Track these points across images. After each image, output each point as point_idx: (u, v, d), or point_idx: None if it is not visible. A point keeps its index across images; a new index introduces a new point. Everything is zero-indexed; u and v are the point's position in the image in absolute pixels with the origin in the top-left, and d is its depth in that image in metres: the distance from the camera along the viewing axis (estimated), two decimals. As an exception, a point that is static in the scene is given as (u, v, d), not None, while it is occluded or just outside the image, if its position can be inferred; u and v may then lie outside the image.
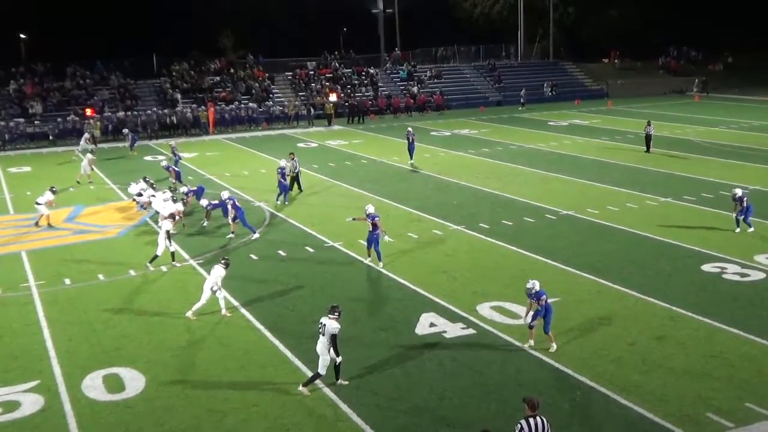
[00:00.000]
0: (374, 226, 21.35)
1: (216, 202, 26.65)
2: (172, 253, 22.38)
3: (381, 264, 21.45)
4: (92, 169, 36.52)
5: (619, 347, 15.90)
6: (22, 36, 71.52)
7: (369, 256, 21.88)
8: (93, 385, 14.77)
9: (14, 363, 16.00)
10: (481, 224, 25.91)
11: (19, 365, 15.88)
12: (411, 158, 38.37)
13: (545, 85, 70.23)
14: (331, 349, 14.13)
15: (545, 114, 58.94)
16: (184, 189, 28.97)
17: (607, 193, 30.36)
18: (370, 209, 21.70)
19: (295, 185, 32.00)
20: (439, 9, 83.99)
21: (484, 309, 18.24)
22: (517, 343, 16.17)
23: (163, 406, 13.94)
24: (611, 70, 78.13)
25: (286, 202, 29.90)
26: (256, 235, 25.09)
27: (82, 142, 45.80)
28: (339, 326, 14.17)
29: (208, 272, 21.01)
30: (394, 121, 58.19)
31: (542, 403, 10.99)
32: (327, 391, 14.27)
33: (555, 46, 79.53)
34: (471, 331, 17.02)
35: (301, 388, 14.23)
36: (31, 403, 14.14)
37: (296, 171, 32.15)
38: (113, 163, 41.78)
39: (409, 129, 39.99)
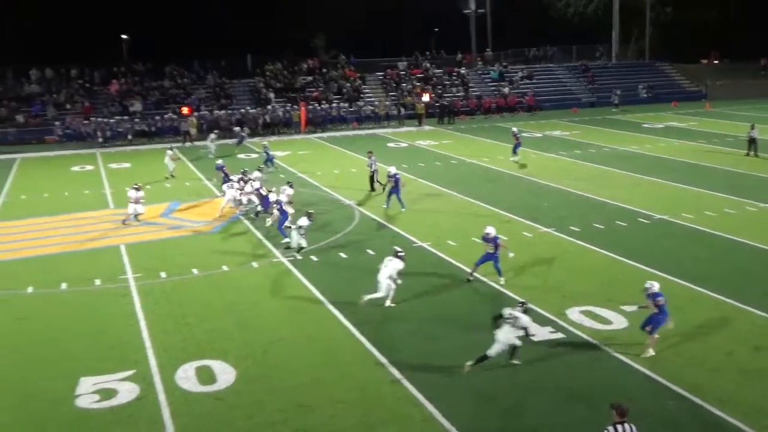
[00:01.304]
0: (496, 247, 20.26)
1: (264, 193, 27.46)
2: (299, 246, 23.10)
3: (503, 280, 20.35)
4: (175, 166, 37.83)
5: (715, 356, 15.44)
6: (123, 37, 73.95)
7: (472, 273, 20.59)
8: (186, 377, 15.18)
9: (112, 352, 16.57)
10: (571, 227, 25.53)
11: (116, 354, 16.43)
12: (514, 155, 38.60)
13: (640, 86, 68.61)
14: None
15: (640, 116, 57.61)
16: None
17: (703, 198, 29.50)
18: (492, 232, 20.46)
19: (373, 185, 32.35)
20: (532, 9, 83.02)
21: (574, 313, 17.96)
22: (607, 349, 15.88)
23: (252, 399, 14.22)
24: (710, 71, 75.75)
25: (403, 209, 28.68)
26: (287, 240, 24.57)
27: (208, 142, 45.56)
28: (530, 319, 14.89)
29: (300, 270, 21.45)
30: (484, 122, 57.88)
31: (631, 410, 10.76)
32: (414, 390, 14.30)
33: (651, 45, 77.60)
34: (560, 335, 16.79)
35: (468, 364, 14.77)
36: (127, 392, 14.62)
37: (373, 170, 32.39)
38: (209, 160, 42.76)
39: (514, 129, 40.36)
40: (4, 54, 61.22)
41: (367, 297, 18.47)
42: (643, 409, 13.15)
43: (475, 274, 20.47)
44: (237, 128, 48.94)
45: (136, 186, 28.82)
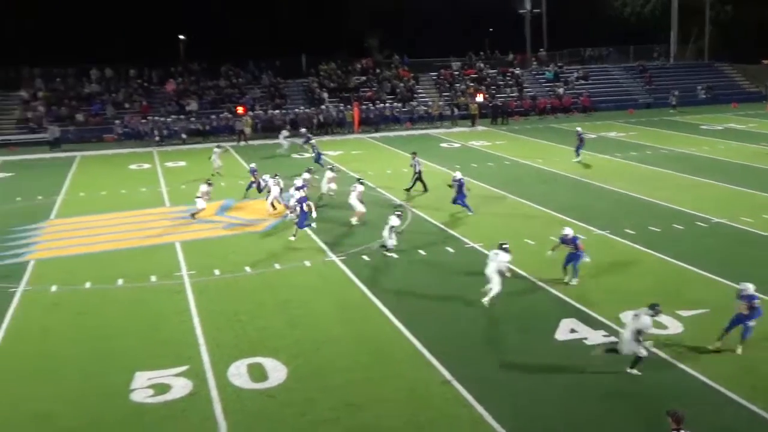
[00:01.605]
0: (576, 248, 20.05)
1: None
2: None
3: (575, 280, 20.15)
4: (222, 163, 38.62)
5: (775, 365, 15.10)
6: (180, 37, 75.06)
7: (565, 274, 20.38)
8: (238, 373, 15.35)
9: (166, 348, 16.83)
10: (626, 230, 25.17)
11: (170, 350, 16.69)
12: (577, 156, 38.78)
13: (699, 87, 67.31)
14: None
15: (698, 117, 56.55)
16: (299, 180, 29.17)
17: (763, 201, 28.84)
18: (570, 233, 20.28)
19: (416, 185, 32.57)
20: (588, 9, 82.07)
21: (628, 317, 17.64)
22: (662, 354, 15.62)
23: (303, 397, 14.32)
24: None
25: (470, 213, 28.31)
26: (293, 238, 25.28)
27: (281, 140, 46.15)
28: (650, 323, 14.59)
29: (351, 269, 21.53)
30: (538, 123, 57.42)
31: (687, 417, 10.57)
32: (463, 391, 14.26)
33: (710, 45, 76.07)
34: (613, 338, 16.54)
35: (629, 370, 14.65)
36: (180, 387, 14.84)
37: (417, 170, 32.46)
38: (264, 160, 43.14)
39: (579, 129, 40.42)
40: (65, 54, 62.62)
41: (487, 298, 18.50)
42: (699, 417, 12.92)
43: (565, 277, 20.32)
44: (303, 129, 49.25)
45: (209, 181, 29.75)
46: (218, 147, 40.91)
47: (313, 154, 38.37)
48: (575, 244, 20.04)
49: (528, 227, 25.68)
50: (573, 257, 20.12)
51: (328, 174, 30.84)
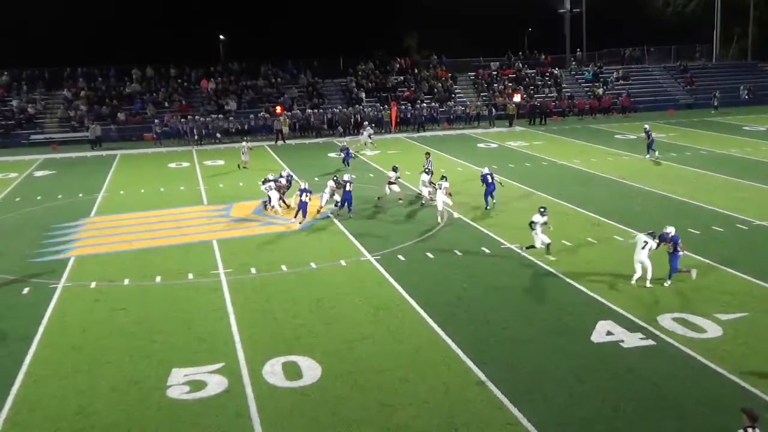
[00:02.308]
0: (675, 247, 19.73)
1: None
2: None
3: (668, 282, 19.80)
4: (248, 158, 40.24)
5: (815, 370, 14.81)
6: (221, 37, 75.72)
7: (669, 277, 20.00)
8: (273, 371, 15.43)
9: (202, 345, 16.98)
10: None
11: (206, 347, 16.83)
12: (647, 154, 39.52)
13: (741, 87, 66.29)
14: None
15: (740, 118, 55.70)
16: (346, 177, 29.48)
17: (807, 204, 28.32)
18: (671, 231, 19.96)
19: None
20: (629, 8, 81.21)
21: (666, 320, 17.49)
22: (700, 358, 15.40)
23: (337, 395, 14.35)
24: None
25: (486, 207, 29.05)
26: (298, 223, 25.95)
27: (364, 137, 47.34)
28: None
29: (387, 269, 21.54)
30: (577, 123, 56.98)
31: (761, 417, 10.41)
32: (498, 393, 14.19)
33: (754, 46, 74.85)
34: (650, 342, 16.37)
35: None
36: (215, 384, 14.96)
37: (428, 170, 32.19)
38: (300, 159, 43.38)
39: (646, 126, 41.57)
40: (107, 54, 63.55)
41: (636, 277, 19.61)
42: (739, 424, 12.73)
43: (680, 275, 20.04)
44: (366, 123, 49.60)
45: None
46: (245, 140, 42.52)
47: (342, 154, 38.96)
48: (676, 243, 19.75)
49: (565, 228, 25.47)
50: (672, 257, 19.78)
51: (444, 183, 28.51)
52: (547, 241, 22.54)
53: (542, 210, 22.86)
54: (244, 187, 34.71)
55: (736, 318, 17.32)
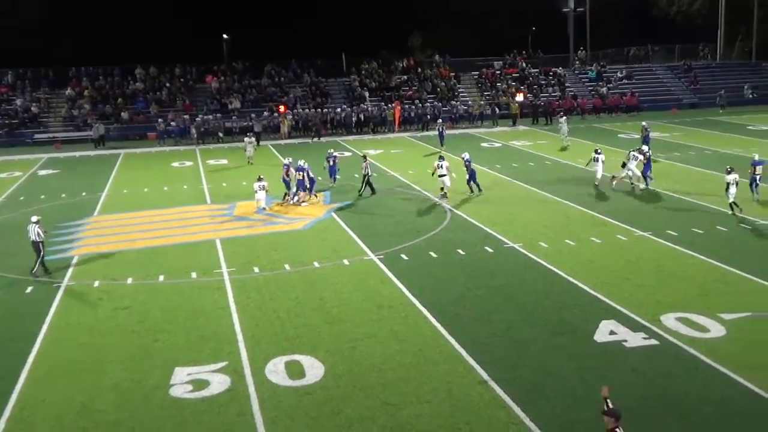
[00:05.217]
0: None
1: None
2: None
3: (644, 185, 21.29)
4: (253, 153, 42.06)
5: (818, 370, 14.78)
6: (225, 36, 75.78)
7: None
8: (276, 370, 15.43)
9: (206, 344, 16.99)
10: (668, 231, 24.83)
11: (210, 346, 16.84)
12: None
13: (746, 86, 66.18)
14: None
15: (745, 117, 55.61)
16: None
17: (811, 204, 28.26)
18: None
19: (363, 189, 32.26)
20: (633, 8, 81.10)
21: (669, 320, 17.46)
22: (703, 358, 15.38)
23: (340, 395, 14.35)
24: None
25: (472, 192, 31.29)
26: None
27: (563, 125, 46.41)
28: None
29: (390, 268, 21.56)
30: (580, 123, 56.89)
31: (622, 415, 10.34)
32: (501, 392, 14.18)
33: (758, 45, 74.68)
34: (654, 341, 16.35)
35: None
36: (219, 383, 14.97)
37: (366, 174, 31.99)
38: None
39: (644, 123, 42.32)
40: (111, 53, 63.62)
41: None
42: (743, 423, 12.73)
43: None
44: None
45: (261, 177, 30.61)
46: (248, 137, 43.47)
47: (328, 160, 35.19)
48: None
49: (568, 228, 25.46)
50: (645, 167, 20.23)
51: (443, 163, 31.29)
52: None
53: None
54: (248, 186, 34.60)
55: (739, 317, 17.28)
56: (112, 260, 23.81)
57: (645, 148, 33.32)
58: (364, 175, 32.12)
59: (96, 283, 21.47)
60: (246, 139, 42.79)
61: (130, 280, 21.63)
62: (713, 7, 74.96)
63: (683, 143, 44.21)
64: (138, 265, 23.06)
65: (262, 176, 30.59)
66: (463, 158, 32.37)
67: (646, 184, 30.90)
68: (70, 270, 22.86)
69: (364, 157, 33.35)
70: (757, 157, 29.94)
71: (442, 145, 45.15)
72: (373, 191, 32.16)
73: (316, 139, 51.34)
